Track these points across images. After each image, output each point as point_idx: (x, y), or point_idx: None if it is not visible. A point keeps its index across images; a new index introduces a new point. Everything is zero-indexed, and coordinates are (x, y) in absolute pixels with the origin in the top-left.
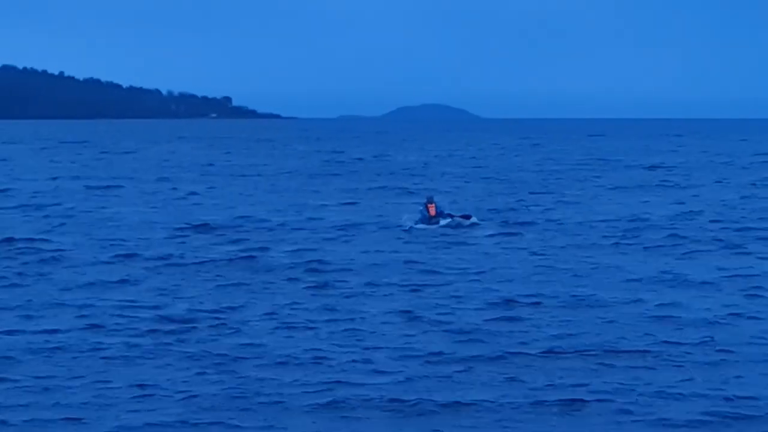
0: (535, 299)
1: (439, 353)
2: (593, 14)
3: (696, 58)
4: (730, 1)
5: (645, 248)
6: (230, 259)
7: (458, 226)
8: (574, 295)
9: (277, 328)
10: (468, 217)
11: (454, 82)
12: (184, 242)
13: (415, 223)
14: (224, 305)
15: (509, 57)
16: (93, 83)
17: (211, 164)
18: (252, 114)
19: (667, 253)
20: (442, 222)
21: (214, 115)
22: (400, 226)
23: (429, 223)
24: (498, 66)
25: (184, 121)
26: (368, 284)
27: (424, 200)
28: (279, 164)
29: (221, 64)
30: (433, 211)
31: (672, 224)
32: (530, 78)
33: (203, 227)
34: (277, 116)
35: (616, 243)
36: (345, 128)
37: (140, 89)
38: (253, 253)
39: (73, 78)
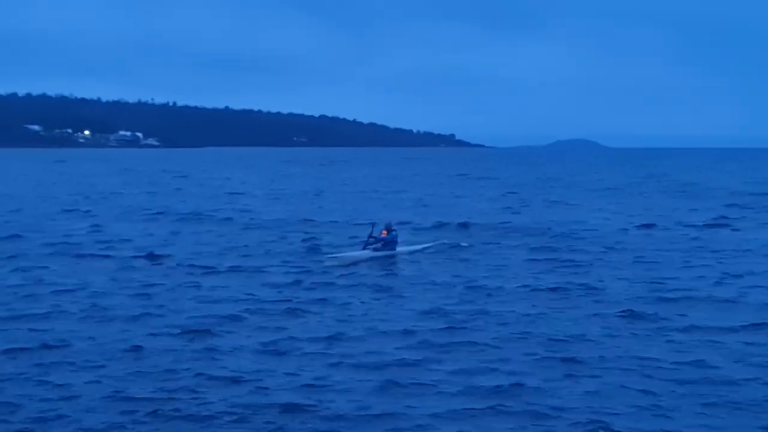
0: None
1: None
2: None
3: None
4: None
5: None
6: None
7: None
8: None
9: None
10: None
11: (590, 119)
12: None
13: (363, 248)
14: None
15: (630, 100)
16: (372, 125)
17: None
18: (467, 144)
19: None
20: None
21: (443, 145)
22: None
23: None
24: (622, 107)
25: (428, 149)
26: None
27: (382, 226)
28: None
29: (447, 109)
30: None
31: None
32: (646, 117)
33: None
34: (482, 146)
35: None
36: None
37: (401, 129)
38: None
39: (360, 122)
